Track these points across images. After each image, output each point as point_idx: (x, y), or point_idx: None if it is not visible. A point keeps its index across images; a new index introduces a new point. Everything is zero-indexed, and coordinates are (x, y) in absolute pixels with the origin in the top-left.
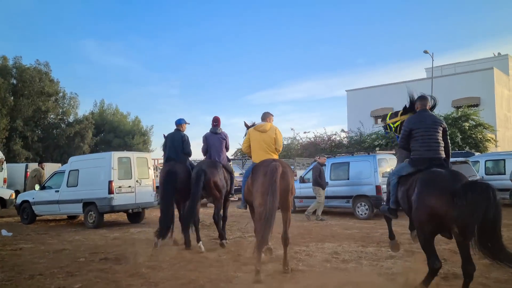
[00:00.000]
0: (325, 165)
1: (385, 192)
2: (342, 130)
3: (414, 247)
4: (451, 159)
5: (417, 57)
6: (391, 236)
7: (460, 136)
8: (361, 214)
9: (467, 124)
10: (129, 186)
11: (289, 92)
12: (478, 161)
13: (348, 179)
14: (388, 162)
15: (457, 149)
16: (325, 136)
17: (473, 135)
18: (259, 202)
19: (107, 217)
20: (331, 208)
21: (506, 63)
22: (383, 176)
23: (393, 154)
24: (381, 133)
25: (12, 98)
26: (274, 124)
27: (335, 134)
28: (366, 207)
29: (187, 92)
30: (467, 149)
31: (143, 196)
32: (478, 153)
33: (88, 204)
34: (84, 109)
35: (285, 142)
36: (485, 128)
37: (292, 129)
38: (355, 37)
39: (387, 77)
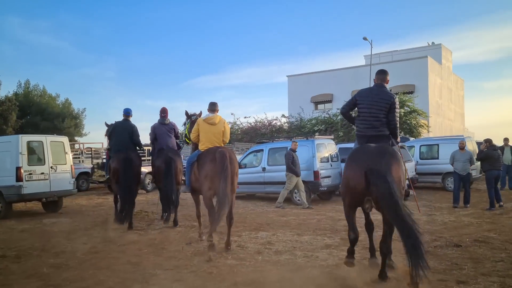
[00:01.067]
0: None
1: (323, 177)
2: (283, 115)
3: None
4: None
5: (357, 45)
6: (372, 251)
7: None
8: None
9: (402, 110)
10: (42, 173)
11: (232, 77)
12: (413, 146)
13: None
14: (326, 148)
15: None
16: (266, 121)
17: (408, 121)
18: (208, 186)
19: (20, 206)
20: (269, 194)
21: (439, 52)
22: (321, 162)
23: (331, 139)
24: (320, 119)
25: None
26: (219, 114)
27: (275, 119)
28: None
29: (125, 75)
30: (401, 134)
31: (59, 183)
32: (413, 138)
33: None
34: (7, 90)
35: None
36: (419, 114)
37: (232, 114)
38: (297, 25)
39: (328, 65)
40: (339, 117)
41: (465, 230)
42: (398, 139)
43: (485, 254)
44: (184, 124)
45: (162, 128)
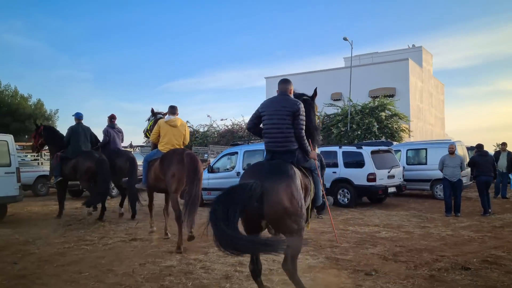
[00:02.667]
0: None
1: None
2: None
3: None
4: (374, 148)
5: (336, 48)
6: None
7: (377, 126)
8: None
9: (383, 113)
10: None
11: (209, 81)
12: (399, 150)
13: None
14: None
15: (373, 139)
16: (243, 124)
17: (389, 125)
18: (176, 187)
19: None
20: None
21: (420, 55)
22: None
23: None
24: None
25: None
26: (184, 117)
27: None
28: None
29: (101, 77)
30: (383, 138)
31: (1, 189)
32: (396, 142)
33: None
34: None
35: (201, 130)
36: (400, 118)
37: (208, 116)
38: (275, 28)
39: (307, 67)
40: (317, 120)
41: (468, 247)
42: (310, 151)
43: (503, 281)
44: (148, 119)
45: (114, 131)
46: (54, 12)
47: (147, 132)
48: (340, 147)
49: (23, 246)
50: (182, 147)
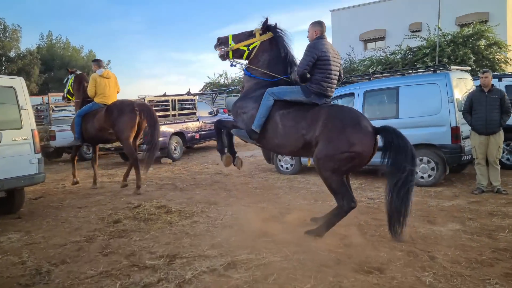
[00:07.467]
0: None
1: (465, 138)
2: None
3: None
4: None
5: None
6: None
7: (473, 58)
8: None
9: (482, 43)
10: None
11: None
12: None
13: (397, 117)
14: (466, 87)
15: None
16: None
17: (490, 56)
18: (128, 134)
19: None
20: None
21: None
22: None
23: (466, 71)
24: (375, 59)
25: None
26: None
27: None
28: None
29: (152, 28)
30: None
31: (8, 165)
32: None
33: None
34: (29, 43)
35: None
36: (500, 48)
37: None
38: None
39: None
40: (398, 55)
41: None
42: None
43: None
44: (66, 81)
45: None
46: None
47: (68, 95)
48: None
49: (30, 280)
50: (116, 96)
